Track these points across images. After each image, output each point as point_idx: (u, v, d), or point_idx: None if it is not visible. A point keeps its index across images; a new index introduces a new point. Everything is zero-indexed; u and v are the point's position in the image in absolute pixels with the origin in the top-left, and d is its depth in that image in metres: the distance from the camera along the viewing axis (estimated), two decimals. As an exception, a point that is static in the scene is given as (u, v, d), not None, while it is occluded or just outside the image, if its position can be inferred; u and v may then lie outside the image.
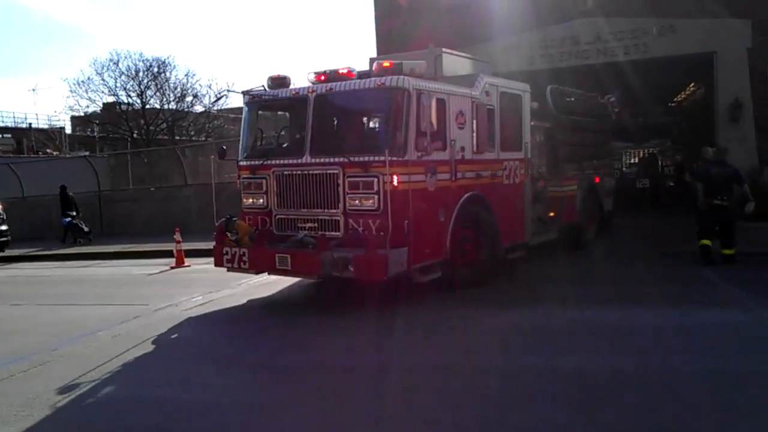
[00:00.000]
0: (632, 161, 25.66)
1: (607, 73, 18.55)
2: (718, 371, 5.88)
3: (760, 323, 7.44)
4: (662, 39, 16.86)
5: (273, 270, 9.03)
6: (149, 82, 42.00)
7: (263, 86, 9.69)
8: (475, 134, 9.68)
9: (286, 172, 9.15)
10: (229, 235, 9.42)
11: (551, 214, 12.26)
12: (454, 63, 9.77)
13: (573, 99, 13.78)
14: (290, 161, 9.16)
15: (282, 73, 9.63)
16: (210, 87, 70.85)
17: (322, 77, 9.20)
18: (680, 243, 13.15)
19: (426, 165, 8.69)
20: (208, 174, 30.67)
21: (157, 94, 42.40)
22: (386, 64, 8.59)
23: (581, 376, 5.91)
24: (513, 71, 17.33)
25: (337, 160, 8.61)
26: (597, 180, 14.49)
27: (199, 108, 43.86)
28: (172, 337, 8.18)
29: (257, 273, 9.70)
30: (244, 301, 10.15)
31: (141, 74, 41.69)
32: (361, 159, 8.40)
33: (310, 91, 9.05)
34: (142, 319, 9.26)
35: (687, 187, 12.49)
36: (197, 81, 65.74)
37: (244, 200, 9.75)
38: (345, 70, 9.10)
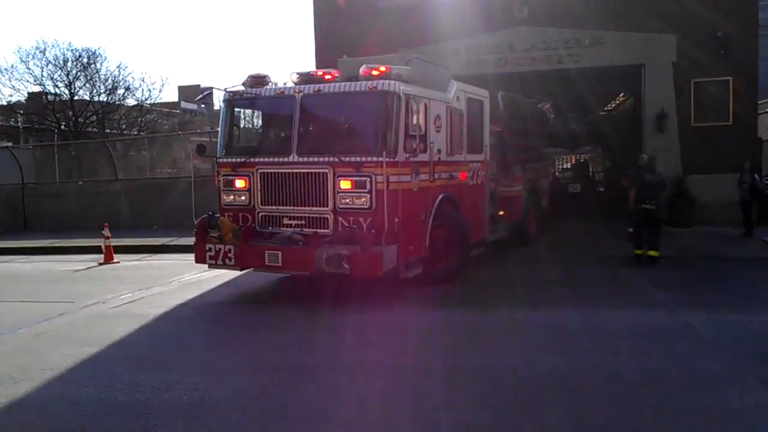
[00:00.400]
0: (565, 167, 26.39)
1: (541, 81, 19.06)
2: (645, 372, 6.09)
3: (683, 325, 7.76)
4: (594, 50, 17.39)
5: (262, 266, 9.15)
6: (78, 73, 40.47)
7: (242, 84, 9.85)
8: (449, 137, 10.24)
9: (271, 170, 9.31)
10: (210, 231, 9.44)
11: (501, 213, 12.94)
12: (423, 68, 10.22)
13: (519, 105, 14.62)
14: (276, 159, 9.30)
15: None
16: (143, 80, 69.24)
17: (304, 77, 9.50)
18: (609, 246, 13.66)
19: (412, 166, 9.16)
20: (139, 169, 29.95)
21: (87, 85, 40.92)
22: (378, 69, 8.97)
23: (515, 376, 6.03)
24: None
25: (327, 159, 8.86)
26: (538, 182, 15.51)
27: (131, 101, 42.63)
28: (99, 335, 7.89)
29: (242, 269, 9.74)
30: (176, 298, 9.92)
31: (70, 64, 40.15)
32: (354, 159, 8.72)
33: (297, 91, 9.30)
34: (67, 317, 8.92)
35: (620, 191, 13.12)
36: (129, 74, 64.08)
37: (224, 197, 9.78)
38: (324, 72, 9.54)
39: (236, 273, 11.64)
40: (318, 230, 8.96)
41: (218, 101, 10.04)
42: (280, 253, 8.87)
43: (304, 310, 8.92)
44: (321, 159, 8.93)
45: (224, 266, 9.40)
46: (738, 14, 16.82)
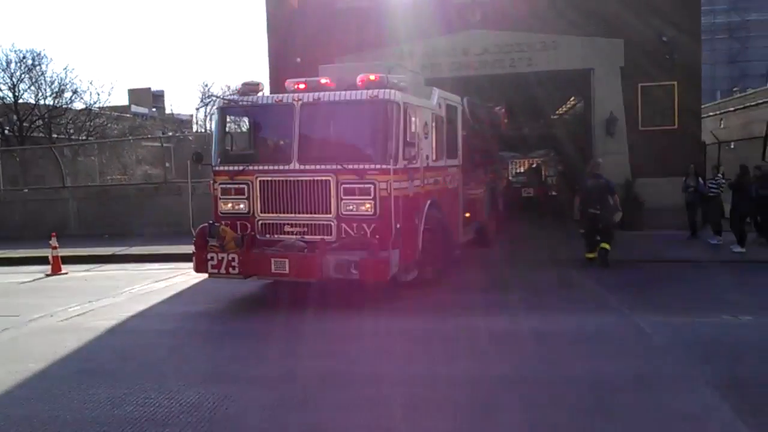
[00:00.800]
0: (518, 171, 26.71)
1: (495, 85, 19.31)
2: (597, 375, 6.21)
3: (633, 328, 7.93)
4: (546, 54, 17.72)
5: (267, 274, 9.20)
6: (23, 75, 39.31)
7: (236, 92, 10.09)
8: (434, 144, 10.69)
9: (271, 178, 9.45)
10: (210, 240, 9.48)
11: (467, 215, 13.15)
12: (411, 77, 10.61)
13: (479, 109, 14.92)
14: (276, 167, 9.45)
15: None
16: (91, 83, 67.67)
17: (302, 86, 9.83)
18: (562, 250, 13.90)
19: (409, 172, 9.49)
20: (89, 175, 29.20)
21: (32, 88, 39.78)
22: (372, 77, 9.24)
23: (469, 382, 6.08)
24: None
25: (330, 167, 9.08)
26: (495, 185, 16.16)
27: (79, 105, 41.57)
28: (46, 350, 7.65)
29: (246, 278, 9.64)
30: (128, 310, 9.72)
31: (13, 66, 38.99)
32: (358, 167, 8.99)
33: (296, 99, 9.42)
34: (12, 332, 8.65)
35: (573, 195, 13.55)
36: (76, 76, 62.59)
37: (222, 205, 9.84)
38: (326, 81, 9.82)
39: (189, 283, 11.48)
40: (323, 237, 9.13)
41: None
42: (287, 260, 8.94)
43: (263, 319, 8.83)
44: (324, 167, 9.13)
45: (227, 275, 9.35)
46: (682, 19, 17.29)
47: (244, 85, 9.98)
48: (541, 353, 6.98)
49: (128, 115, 52.31)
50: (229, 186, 9.75)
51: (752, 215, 14.52)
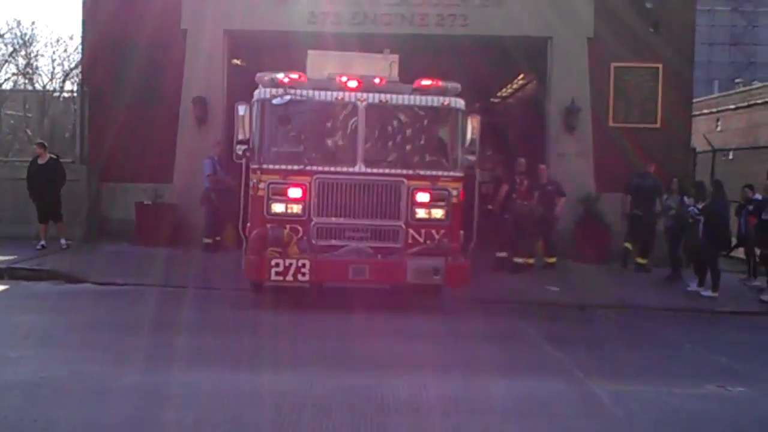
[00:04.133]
0: None
1: (412, 49, 19.61)
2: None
3: (587, 398, 8.22)
4: (487, 12, 18.11)
5: (344, 280, 12.04)
6: None
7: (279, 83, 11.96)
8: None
9: (332, 180, 11.88)
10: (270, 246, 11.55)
11: None
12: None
13: None
14: (338, 169, 11.98)
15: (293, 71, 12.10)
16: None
17: (354, 83, 12.02)
18: (493, 285, 14.22)
19: (462, 179, 12.37)
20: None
21: None
22: (436, 82, 12.15)
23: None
24: (287, 31, 17.62)
25: (401, 171, 11.99)
26: None
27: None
28: None
29: (311, 285, 12.10)
30: None
31: None
32: (431, 173, 12.06)
33: (361, 99, 11.92)
34: None
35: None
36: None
37: (273, 206, 11.97)
38: (378, 80, 12.28)
39: None
40: (388, 243, 11.88)
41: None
42: (367, 266, 11.60)
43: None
44: (394, 171, 12.01)
45: (294, 282, 11.53)
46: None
47: (289, 77, 11.94)
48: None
49: None
50: (281, 185, 11.94)
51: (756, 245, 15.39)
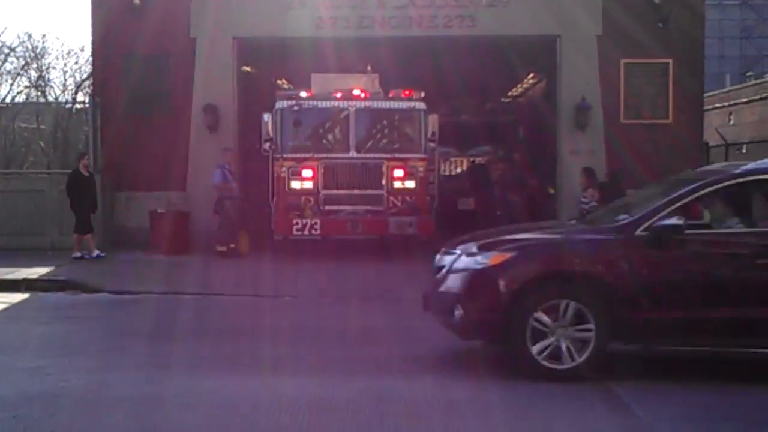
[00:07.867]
0: (450, 173, 26.32)
1: (420, 52, 19.62)
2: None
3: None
4: (494, 12, 18.20)
5: (344, 233, 17.25)
6: None
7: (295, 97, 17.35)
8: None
9: (334, 163, 17.16)
10: (292, 211, 16.80)
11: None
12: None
13: None
14: (338, 155, 17.29)
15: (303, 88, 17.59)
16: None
17: (348, 95, 17.23)
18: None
19: (426, 160, 17.99)
20: None
21: None
22: (410, 91, 17.55)
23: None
24: (295, 37, 17.77)
25: (382, 156, 17.24)
26: None
27: None
28: None
29: (323, 238, 17.03)
30: None
31: None
32: (403, 156, 17.39)
33: (351, 106, 17.06)
34: None
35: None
36: None
37: (292, 183, 17.18)
38: (363, 94, 17.27)
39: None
40: (375, 206, 16.97)
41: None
42: (361, 223, 16.78)
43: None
44: (377, 155, 17.23)
45: (310, 235, 16.60)
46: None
47: (306, 91, 17.35)
48: None
49: None
50: (297, 168, 17.15)
51: None
